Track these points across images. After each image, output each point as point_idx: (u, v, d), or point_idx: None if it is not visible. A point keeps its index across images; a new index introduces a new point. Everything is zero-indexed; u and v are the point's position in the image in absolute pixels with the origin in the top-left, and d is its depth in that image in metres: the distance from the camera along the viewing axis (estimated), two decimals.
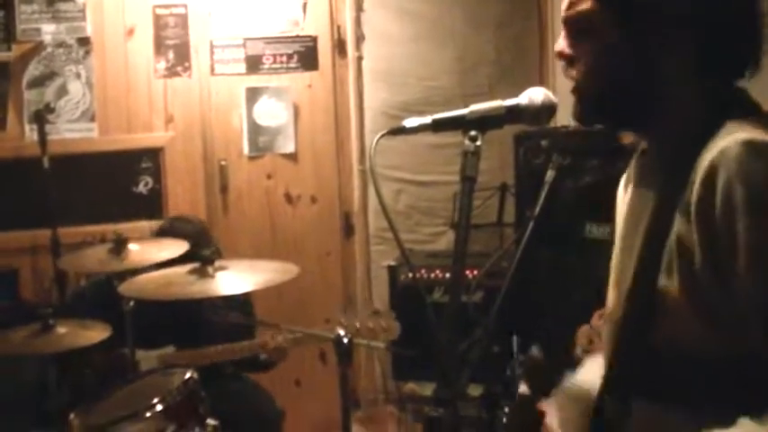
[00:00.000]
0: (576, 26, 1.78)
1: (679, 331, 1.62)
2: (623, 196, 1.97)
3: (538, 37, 6.25)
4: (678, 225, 1.61)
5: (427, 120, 2.09)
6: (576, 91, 1.80)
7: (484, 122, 2.05)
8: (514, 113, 2.06)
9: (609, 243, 4.20)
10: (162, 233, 4.71)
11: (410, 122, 2.10)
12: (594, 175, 4.58)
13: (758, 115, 1.68)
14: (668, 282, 1.62)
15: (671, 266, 1.62)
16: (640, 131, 1.89)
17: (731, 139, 1.55)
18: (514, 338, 4.43)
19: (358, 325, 4.13)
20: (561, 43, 1.81)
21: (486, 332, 3.46)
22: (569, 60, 1.79)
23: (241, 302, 4.58)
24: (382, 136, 2.09)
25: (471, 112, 2.05)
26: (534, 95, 2.05)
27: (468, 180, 2.03)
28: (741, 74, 1.73)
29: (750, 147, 1.53)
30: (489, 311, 3.40)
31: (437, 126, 2.09)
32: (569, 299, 4.67)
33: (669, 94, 1.72)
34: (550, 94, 2.06)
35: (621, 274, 1.84)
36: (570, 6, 1.78)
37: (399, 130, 2.10)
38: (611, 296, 1.90)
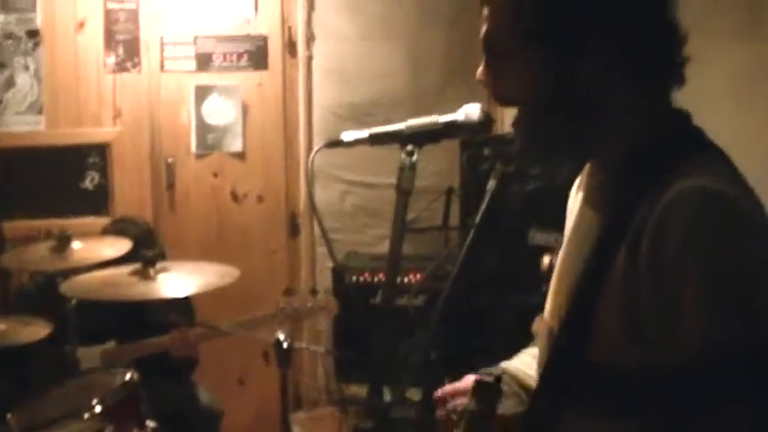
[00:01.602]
0: (491, 47, 1.76)
1: (611, 352, 1.61)
2: (573, 202, 1.94)
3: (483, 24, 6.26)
4: (622, 260, 1.59)
5: (364, 134, 2.11)
6: (514, 124, 1.80)
7: (420, 137, 2.07)
8: (451, 128, 2.08)
9: (553, 249, 4.27)
10: (107, 233, 4.71)
11: (347, 136, 2.12)
12: (539, 182, 4.62)
13: (707, 148, 1.68)
14: (606, 311, 1.61)
15: (610, 297, 1.61)
16: (585, 159, 1.87)
17: (688, 183, 1.53)
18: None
19: (296, 305, 4.19)
20: (481, 69, 1.79)
21: (427, 336, 3.49)
22: (493, 85, 1.79)
23: (182, 302, 4.59)
24: (320, 149, 2.11)
25: (408, 128, 2.07)
26: (471, 111, 2.08)
27: (404, 193, 2.06)
28: (667, 86, 1.71)
29: (706, 195, 1.52)
30: (431, 315, 3.42)
31: (374, 140, 2.11)
32: (510, 304, 4.72)
33: (602, 114, 1.69)
34: (486, 110, 2.09)
35: (560, 285, 1.84)
36: (485, 28, 1.77)
37: (336, 143, 2.12)
38: (550, 304, 1.89)
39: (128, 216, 5.26)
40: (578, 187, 1.94)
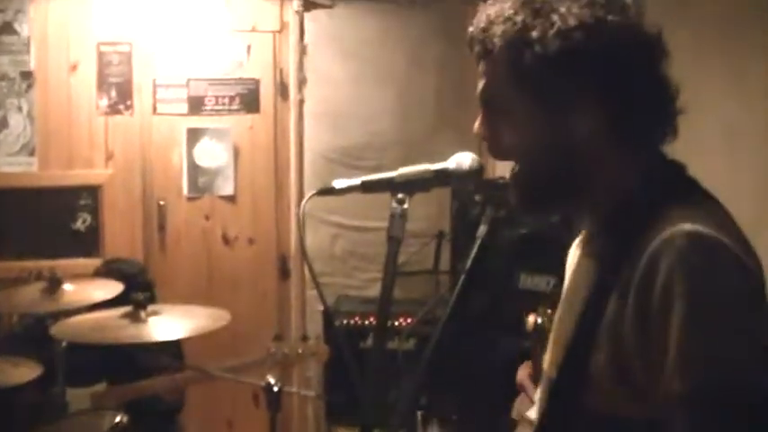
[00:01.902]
0: (488, 102, 1.81)
1: (606, 399, 1.63)
2: (573, 254, 1.97)
3: (480, 79, 6.30)
4: (613, 308, 1.62)
5: (356, 182, 2.12)
6: (510, 178, 1.83)
7: (412, 185, 2.08)
8: (442, 177, 2.09)
9: (541, 294, 4.27)
10: (99, 275, 4.71)
11: (339, 183, 2.13)
12: (529, 227, 4.64)
13: (698, 196, 1.71)
14: (599, 358, 1.63)
15: (602, 345, 1.63)
16: (579, 211, 1.91)
17: (675, 229, 1.55)
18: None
19: (286, 350, 4.20)
20: (478, 122, 1.84)
21: (416, 381, 3.48)
22: (489, 139, 1.82)
23: (172, 345, 4.58)
24: (311, 197, 2.13)
25: (399, 176, 2.08)
26: (462, 160, 2.09)
27: (394, 240, 2.07)
28: (659, 140, 1.75)
29: (694, 240, 1.53)
30: (421, 359, 3.42)
31: (366, 188, 2.12)
32: (499, 349, 4.72)
33: (595, 167, 1.73)
34: (477, 159, 2.11)
35: (559, 334, 1.86)
36: (481, 83, 1.81)
37: (328, 191, 2.14)
38: (549, 352, 1.91)
39: (120, 257, 5.26)
40: (579, 242, 1.96)
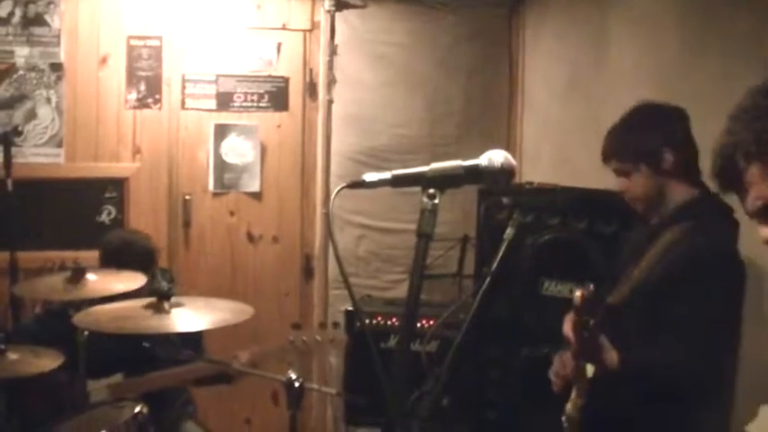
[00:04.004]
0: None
1: None
2: None
3: (507, 87, 6.30)
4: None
5: (387, 175, 2.11)
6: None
7: (443, 181, 2.07)
8: (473, 174, 2.08)
9: (564, 300, 4.24)
10: (116, 252, 4.67)
11: (370, 177, 2.12)
12: (554, 233, 4.61)
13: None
14: None
15: None
16: None
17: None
18: None
19: (305, 338, 4.20)
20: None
21: (437, 383, 3.47)
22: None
23: (192, 338, 4.56)
24: (342, 189, 2.12)
25: (431, 170, 2.07)
26: (494, 157, 2.08)
27: (424, 237, 2.05)
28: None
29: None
30: (443, 362, 3.41)
31: (396, 182, 2.11)
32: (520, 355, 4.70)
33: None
34: (510, 157, 2.09)
35: None
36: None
37: (359, 184, 2.12)
38: None
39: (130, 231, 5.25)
40: None
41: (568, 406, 3.03)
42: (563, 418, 2.94)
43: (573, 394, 3.02)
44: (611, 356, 3.04)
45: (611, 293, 3.37)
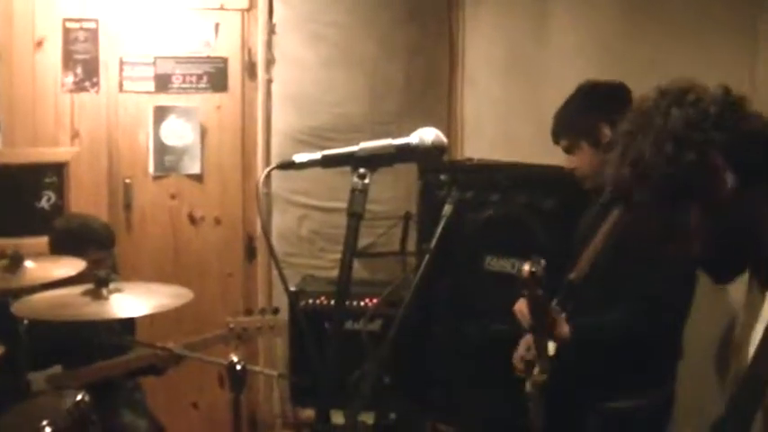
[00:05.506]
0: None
1: None
2: None
3: (448, 65, 6.29)
4: None
5: (317, 156, 2.11)
6: None
7: (373, 160, 2.07)
8: (404, 152, 2.08)
9: (508, 276, 4.28)
10: (75, 234, 4.60)
11: (300, 158, 2.12)
12: (495, 209, 4.63)
13: None
14: None
15: None
16: None
17: None
18: None
19: (245, 325, 4.30)
20: None
21: (380, 362, 3.48)
22: None
23: (126, 325, 4.52)
24: (271, 170, 2.11)
25: (361, 150, 2.07)
26: (425, 135, 2.08)
27: (355, 216, 2.05)
28: None
29: None
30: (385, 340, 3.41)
31: (326, 162, 2.11)
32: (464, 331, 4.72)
33: None
34: (441, 135, 2.09)
35: None
36: None
37: (289, 165, 2.12)
38: None
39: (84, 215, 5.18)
40: None
41: (529, 383, 3.10)
42: (527, 393, 3.03)
43: (535, 371, 3.07)
44: (564, 329, 3.25)
45: (569, 270, 3.42)
